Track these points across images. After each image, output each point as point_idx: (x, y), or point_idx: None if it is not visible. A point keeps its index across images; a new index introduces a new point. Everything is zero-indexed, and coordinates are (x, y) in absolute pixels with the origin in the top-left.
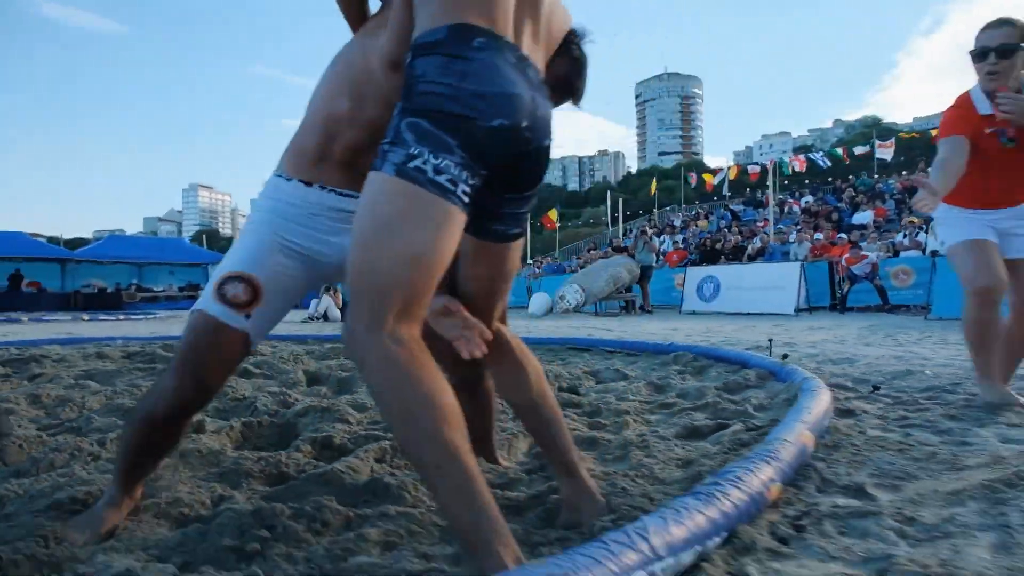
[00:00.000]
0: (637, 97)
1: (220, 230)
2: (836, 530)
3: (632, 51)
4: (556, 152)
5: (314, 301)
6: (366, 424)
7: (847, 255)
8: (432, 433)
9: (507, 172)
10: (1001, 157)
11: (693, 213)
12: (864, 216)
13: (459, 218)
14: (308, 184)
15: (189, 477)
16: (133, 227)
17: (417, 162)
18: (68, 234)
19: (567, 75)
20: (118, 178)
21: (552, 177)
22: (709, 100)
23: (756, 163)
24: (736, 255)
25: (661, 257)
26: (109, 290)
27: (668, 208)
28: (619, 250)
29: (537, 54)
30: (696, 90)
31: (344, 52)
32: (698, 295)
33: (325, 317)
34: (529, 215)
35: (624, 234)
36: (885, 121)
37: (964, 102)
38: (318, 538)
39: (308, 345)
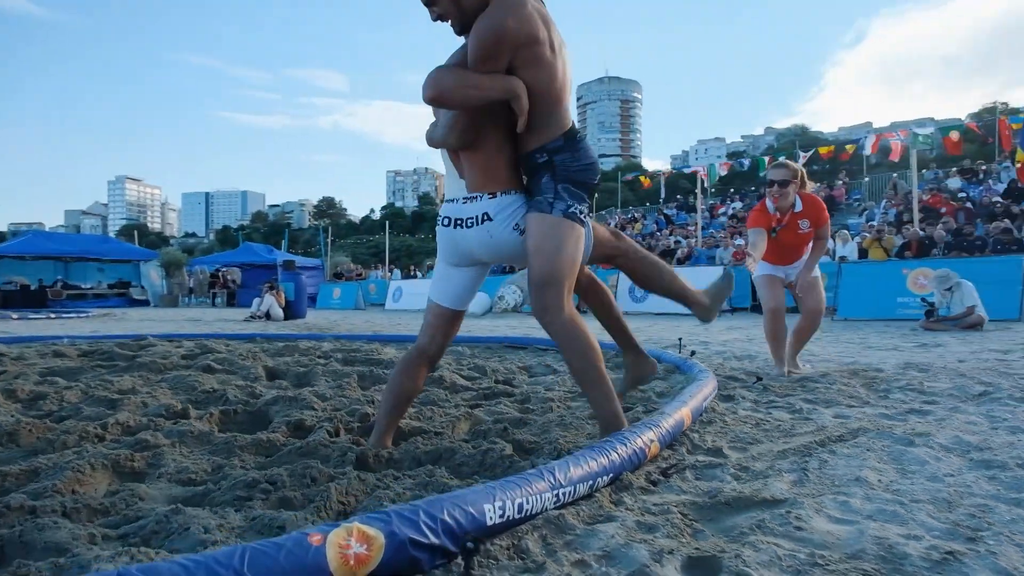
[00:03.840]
0: (579, 99)
1: (149, 224)
2: (694, 476)
3: (574, 54)
4: None
5: (256, 300)
6: (330, 410)
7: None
8: (594, 362)
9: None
10: (779, 239)
11: (629, 216)
12: None
13: (584, 236)
14: None
15: (188, 453)
16: (52, 220)
17: (573, 208)
18: None
19: None
20: (35, 169)
21: None
22: (648, 104)
23: (688, 167)
24: (665, 258)
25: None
26: (33, 287)
27: (605, 211)
28: None
29: None
30: (636, 94)
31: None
32: (630, 296)
33: (268, 316)
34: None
35: None
36: (812, 130)
37: (762, 208)
38: (308, 490)
39: (257, 343)
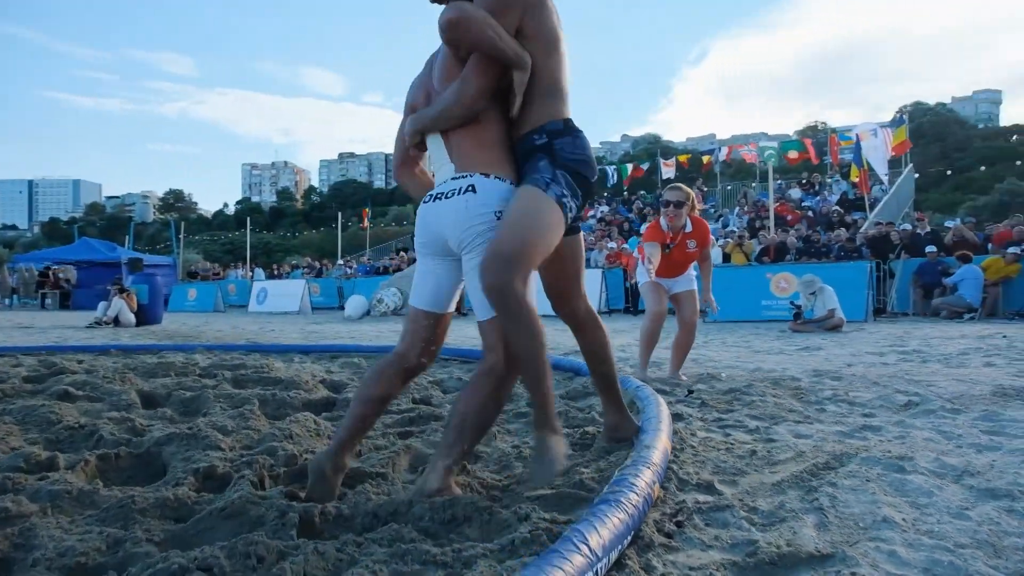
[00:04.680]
0: None
1: None
2: (703, 523)
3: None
4: (361, 148)
5: (102, 304)
6: (239, 449)
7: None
8: (542, 344)
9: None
10: (669, 255)
11: None
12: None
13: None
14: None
15: (69, 523)
16: None
17: (565, 199)
18: None
19: None
20: None
21: (358, 173)
22: None
23: None
24: None
25: None
26: None
27: None
28: None
29: None
30: None
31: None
32: None
33: (117, 322)
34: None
35: None
36: (664, 139)
37: (657, 225)
38: (255, 575)
39: (116, 357)
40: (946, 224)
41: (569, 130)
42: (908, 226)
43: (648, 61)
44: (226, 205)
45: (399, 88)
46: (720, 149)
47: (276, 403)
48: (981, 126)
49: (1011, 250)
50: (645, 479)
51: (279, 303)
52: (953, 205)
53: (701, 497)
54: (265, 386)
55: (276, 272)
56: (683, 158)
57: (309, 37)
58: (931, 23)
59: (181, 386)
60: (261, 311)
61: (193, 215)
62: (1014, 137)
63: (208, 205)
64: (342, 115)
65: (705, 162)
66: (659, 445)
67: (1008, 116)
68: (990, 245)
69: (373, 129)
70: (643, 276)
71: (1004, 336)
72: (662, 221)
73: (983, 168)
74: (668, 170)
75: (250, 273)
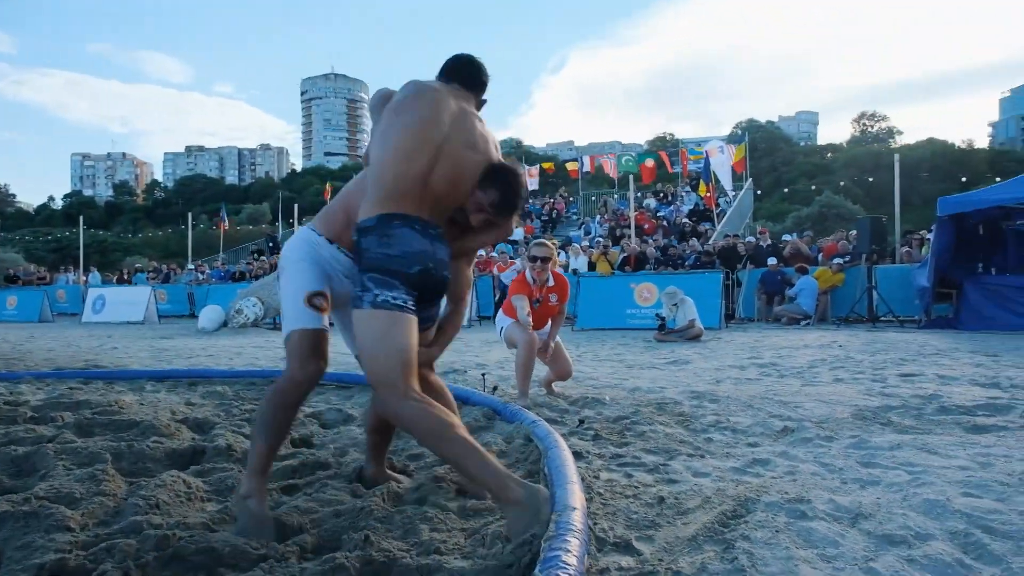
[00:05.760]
0: (303, 94)
1: None
2: None
3: (297, 45)
4: (211, 141)
5: None
6: (93, 527)
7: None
8: (449, 435)
9: (424, 293)
10: (537, 309)
11: None
12: (516, 233)
13: (414, 319)
14: (331, 243)
15: None
16: None
17: (381, 298)
18: None
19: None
20: None
21: (208, 168)
22: None
23: None
24: None
25: None
26: None
27: None
28: None
29: (440, 217)
30: (362, 94)
31: (359, 177)
32: None
33: None
34: (433, 315)
35: None
36: (525, 143)
37: (524, 279)
38: None
39: None
40: (784, 238)
41: (380, 227)
42: (752, 239)
43: (510, 66)
44: (52, 199)
45: (251, 80)
46: (584, 159)
47: (133, 456)
48: (803, 143)
49: (836, 261)
50: (575, 553)
51: (120, 312)
52: (782, 214)
53: (623, 561)
54: (117, 432)
55: (122, 276)
56: (548, 166)
57: (147, 19)
58: (761, 48)
59: (9, 438)
60: (98, 321)
61: (11, 209)
62: (829, 155)
63: (29, 198)
64: (189, 105)
65: (571, 170)
66: (578, 504)
67: (824, 135)
68: (820, 256)
69: (224, 122)
70: (505, 321)
71: (840, 345)
72: (528, 275)
73: (812, 188)
74: (532, 180)
75: (84, 277)
